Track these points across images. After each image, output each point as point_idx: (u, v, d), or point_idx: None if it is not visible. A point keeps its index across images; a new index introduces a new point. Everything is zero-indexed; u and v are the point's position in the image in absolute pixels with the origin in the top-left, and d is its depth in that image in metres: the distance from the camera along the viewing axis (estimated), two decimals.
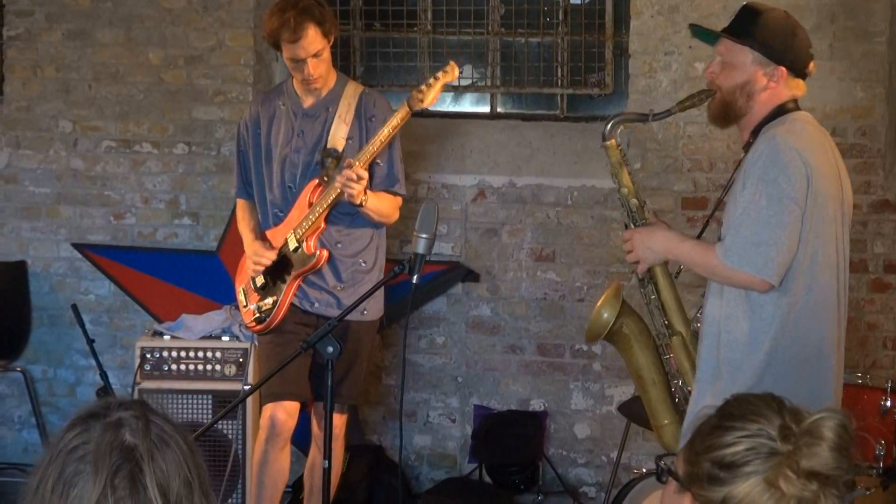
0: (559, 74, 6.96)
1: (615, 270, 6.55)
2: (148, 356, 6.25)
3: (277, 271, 5.46)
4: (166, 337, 6.30)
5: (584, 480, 6.75)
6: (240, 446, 6.16)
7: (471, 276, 6.75)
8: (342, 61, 7.06)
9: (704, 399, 3.98)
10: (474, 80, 7.13)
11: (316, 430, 5.59)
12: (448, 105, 7.16)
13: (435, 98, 5.26)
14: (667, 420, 4.29)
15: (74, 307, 5.33)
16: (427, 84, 5.25)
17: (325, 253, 5.37)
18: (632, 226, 4.29)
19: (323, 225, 5.37)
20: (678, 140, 6.47)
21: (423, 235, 4.06)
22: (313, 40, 5.27)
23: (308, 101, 5.46)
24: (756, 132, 4.04)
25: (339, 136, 5.38)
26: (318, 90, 5.44)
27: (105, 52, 6.93)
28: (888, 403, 5.24)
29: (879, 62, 6.32)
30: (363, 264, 5.47)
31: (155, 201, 6.99)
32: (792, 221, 3.87)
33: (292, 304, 5.45)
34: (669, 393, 4.28)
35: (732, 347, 3.98)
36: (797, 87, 4.08)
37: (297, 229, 5.37)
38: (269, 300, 5.47)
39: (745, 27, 4.06)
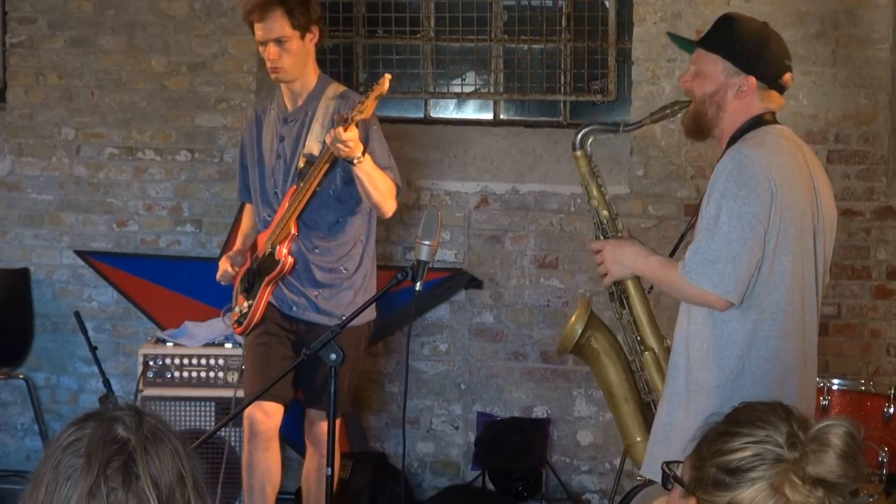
0: (562, 81, 6.95)
1: None
2: (151, 363, 6.25)
3: (257, 276, 5.50)
4: (169, 344, 6.31)
5: (587, 487, 6.75)
6: (242, 453, 6.15)
7: (474, 282, 6.75)
8: (345, 68, 7.07)
9: (676, 416, 3.95)
10: (477, 87, 7.13)
11: (308, 435, 5.57)
12: (451, 112, 7.17)
13: (371, 110, 5.15)
14: (639, 437, 4.25)
15: (77, 314, 5.34)
16: (365, 96, 5.13)
17: (291, 260, 5.38)
18: (601, 237, 4.25)
19: (293, 230, 5.37)
20: (681, 147, 6.47)
21: (426, 242, 4.06)
22: (277, 24, 5.28)
23: (290, 106, 5.48)
24: (730, 144, 3.97)
25: (314, 139, 5.37)
26: (299, 94, 5.43)
27: (108, 59, 6.94)
28: (891, 410, 5.24)
29: (882, 69, 6.32)
30: (343, 270, 5.44)
31: (158, 208, 6.99)
32: (753, 237, 3.78)
33: (274, 306, 5.47)
34: (641, 410, 4.25)
35: (698, 366, 3.92)
36: (770, 100, 3.99)
37: (272, 234, 5.41)
38: (247, 304, 5.50)
39: (718, 36, 4.02)
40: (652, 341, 4.19)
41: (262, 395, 5.34)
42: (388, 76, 5.11)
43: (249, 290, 5.52)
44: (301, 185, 5.32)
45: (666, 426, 3.99)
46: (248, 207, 5.73)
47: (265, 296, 5.46)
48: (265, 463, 5.48)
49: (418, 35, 7.06)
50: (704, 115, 4.00)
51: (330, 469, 4.29)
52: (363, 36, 7.12)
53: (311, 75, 5.46)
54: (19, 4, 7.00)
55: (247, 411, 5.38)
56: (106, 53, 6.94)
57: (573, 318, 4.35)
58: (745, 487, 2.16)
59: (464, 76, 7.13)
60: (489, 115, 7.10)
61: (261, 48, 5.39)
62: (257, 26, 5.33)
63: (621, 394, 4.27)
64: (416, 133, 6.97)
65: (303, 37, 5.32)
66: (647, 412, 4.24)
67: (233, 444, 6.11)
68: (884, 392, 5.34)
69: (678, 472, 2.31)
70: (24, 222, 7.09)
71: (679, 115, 4.13)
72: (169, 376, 6.22)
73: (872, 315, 6.42)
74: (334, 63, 7.10)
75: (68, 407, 7.11)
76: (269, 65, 5.38)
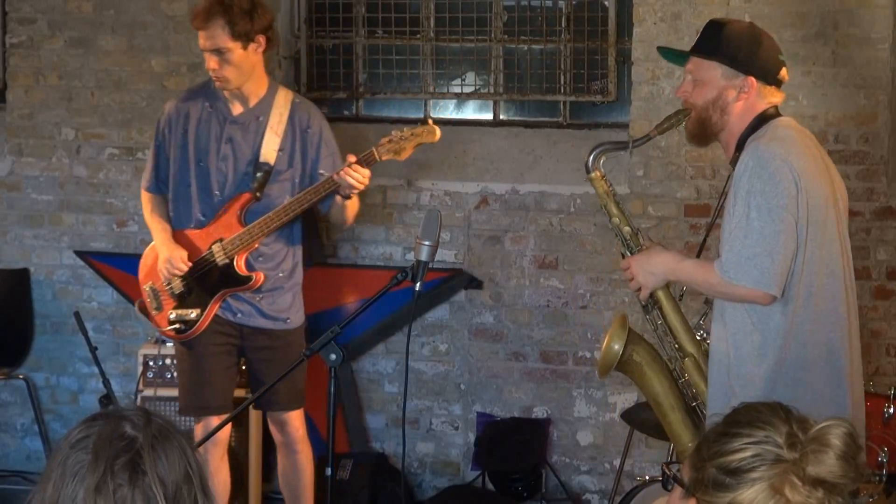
0: (562, 82, 6.95)
1: (618, 277, 6.54)
2: (150, 363, 6.25)
3: (202, 282, 5.41)
4: (169, 344, 6.30)
5: (587, 488, 6.75)
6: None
7: (474, 283, 6.75)
8: (345, 68, 7.07)
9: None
10: (477, 88, 7.13)
11: (279, 436, 5.57)
12: (451, 112, 7.17)
13: (409, 154, 5.19)
14: (690, 443, 4.27)
15: (77, 315, 5.33)
16: (399, 136, 5.16)
17: (262, 276, 5.36)
18: (628, 254, 4.28)
19: (257, 245, 5.33)
20: (681, 147, 6.47)
21: (426, 242, 4.06)
22: (216, 35, 5.21)
23: (237, 109, 5.41)
24: (741, 145, 4.05)
25: (270, 148, 5.33)
26: (246, 98, 5.37)
27: (107, 59, 6.94)
28: (891, 410, 5.24)
29: (882, 69, 6.31)
30: (281, 274, 5.44)
31: None
32: (785, 230, 3.87)
33: (216, 314, 5.41)
34: (689, 416, 4.28)
35: (743, 362, 3.99)
36: (772, 95, 4.10)
37: (226, 244, 5.34)
38: (193, 312, 5.41)
39: (710, 42, 4.11)
40: (690, 347, 4.24)
41: (210, 410, 5.40)
42: (431, 122, 5.22)
43: (185, 297, 5.43)
44: (287, 205, 5.26)
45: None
46: (152, 197, 5.58)
47: (217, 307, 5.41)
48: (224, 471, 5.53)
49: (418, 35, 7.05)
50: (709, 120, 4.08)
51: (330, 469, 4.28)
52: (363, 36, 7.12)
53: (260, 81, 5.40)
54: (19, 5, 7.00)
55: (202, 423, 5.41)
56: (106, 54, 6.94)
57: (608, 338, 4.34)
58: (745, 488, 2.16)
59: (464, 76, 7.13)
60: (489, 116, 7.10)
61: (205, 55, 5.31)
62: (200, 34, 5.27)
63: (668, 402, 4.29)
64: None
65: (245, 47, 5.25)
66: (694, 417, 4.27)
67: (233, 444, 6.11)
68: (884, 392, 5.34)
69: (678, 473, 2.31)
70: (24, 222, 7.09)
71: (682, 123, 4.18)
72: (169, 376, 6.21)
73: (872, 315, 6.42)
74: (334, 63, 7.10)
75: (68, 407, 7.11)
76: (210, 73, 5.32)
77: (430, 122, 5.27)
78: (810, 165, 3.96)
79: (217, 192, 5.39)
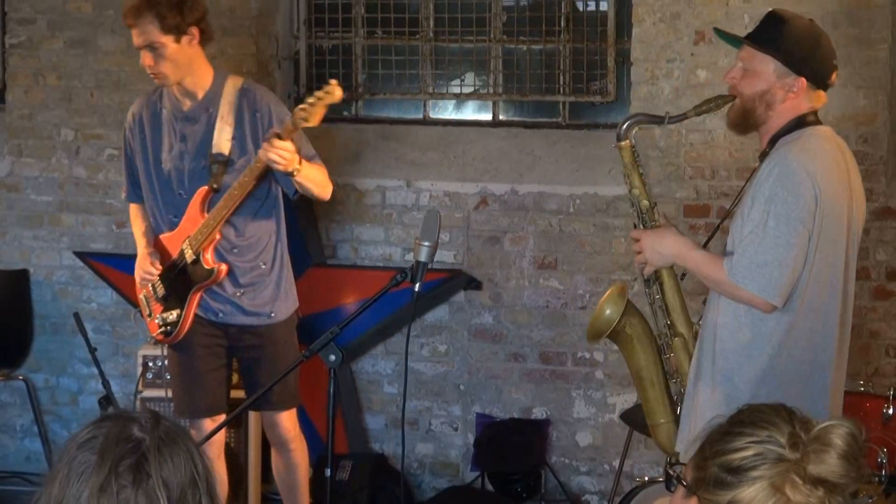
0: (561, 82, 6.95)
1: (617, 278, 6.55)
2: (150, 364, 6.25)
3: (179, 283, 5.38)
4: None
5: (586, 489, 6.75)
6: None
7: (473, 283, 6.75)
8: (344, 69, 7.06)
9: (705, 405, 4.00)
10: (476, 88, 7.13)
11: (272, 435, 5.57)
12: (450, 113, 7.17)
13: (320, 118, 5.04)
14: (662, 419, 4.38)
15: (77, 316, 5.33)
16: (308, 103, 5.01)
17: (225, 267, 5.30)
18: (641, 227, 4.29)
19: (218, 236, 5.27)
20: (680, 147, 6.46)
21: (426, 243, 4.06)
22: (147, 31, 5.16)
23: (187, 104, 5.36)
24: (773, 142, 4.04)
25: (223, 138, 5.29)
26: (193, 92, 5.32)
27: (107, 59, 6.93)
28: (890, 411, 5.24)
29: (882, 69, 6.31)
30: (262, 266, 5.38)
31: None
32: (798, 243, 3.89)
33: (199, 316, 5.39)
34: (667, 393, 4.36)
35: (726, 357, 4.02)
36: (817, 99, 4.09)
37: (192, 240, 5.29)
38: (174, 313, 5.40)
39: (769, 35, 4.06)
40: (682, 328, 4.29)
41: (203, 412, 5.38)
42: (334, 82, 4.97)
43: (167, 299, 5.41)
44: (231, 191, 5.20)
45: (695, 408, 4.09)
46: (136, 208, 5.58)
47: (194, 305, 5.37)
48: (220, 470, 5.50)
49: (417, 36, 7.05)
50: (753, 112, 4.06)
51: (329, 470, 4.28)
52: (362, 36, 7.12)
53: (204, 73, 5.34)
54: (19, 5, 7.00)
55: (196, 424, 5.40)
56: (105, 54, 6.94)
57: (602, 303, 4.39)
58: (745, 486, 2.17)
59: (463, 77, 7.13)
60: (488, 116, 7.09)
61: (140, 53, 5.25)
62: (133, 32, 5.22)
63: (649, 377, 4.38)
64: (415, 134, 6.97)
65: (178, 40, 5.19)
66: (671, 396, 4.35)
67: (231, 445, 6.11)
68: (883, 393, 5.35)
69: (680, 474, 2.32)
70: (24, 223, 7.09)
71: (721, 109, 4.19)
72: (168, 377, 6.20)
73: (871, 316, 6.42)
74: (333, 63, 7.10)
75: (68, 408, 7.11)
76: (147, 71, 5.26)
77: (333, 82, 5.02)
78: (834, 184, 3.97)
79: (180, 192, 5.36)
